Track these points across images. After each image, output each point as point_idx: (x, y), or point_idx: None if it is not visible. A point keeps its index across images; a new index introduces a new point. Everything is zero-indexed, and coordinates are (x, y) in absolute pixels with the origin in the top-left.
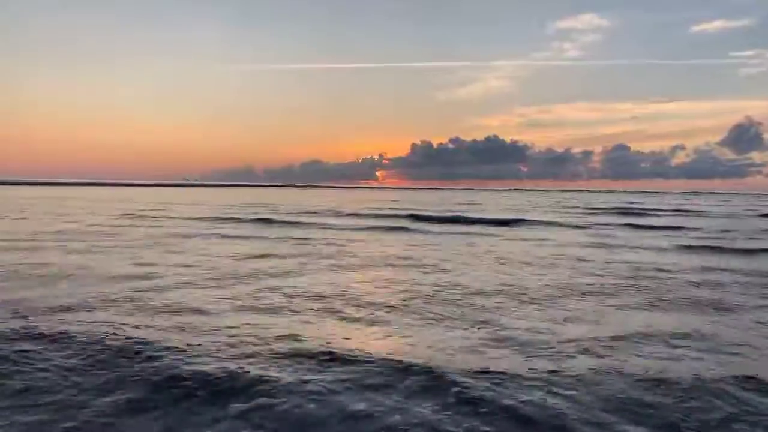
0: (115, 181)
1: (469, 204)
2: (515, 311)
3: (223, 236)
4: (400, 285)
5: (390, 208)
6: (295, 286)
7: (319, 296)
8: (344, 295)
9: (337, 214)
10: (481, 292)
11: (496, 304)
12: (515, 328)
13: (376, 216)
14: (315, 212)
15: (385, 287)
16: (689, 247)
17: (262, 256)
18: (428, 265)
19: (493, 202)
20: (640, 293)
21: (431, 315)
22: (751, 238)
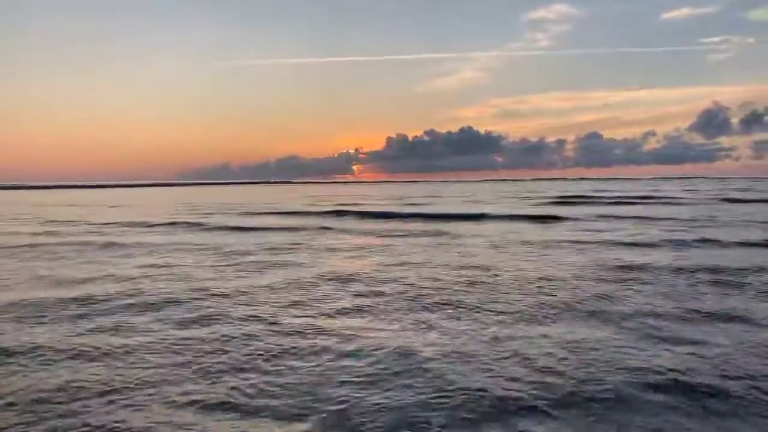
0: (90, 183)
1: (429, 197)
2: None
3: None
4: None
5: (337, 204)
6: None
7: None
8: None
9: (268, 213)
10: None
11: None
12: None
13: (308, 213)
14: (245, 212)
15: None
16: (619, 244)
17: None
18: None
19: (457, 194)
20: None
21: None
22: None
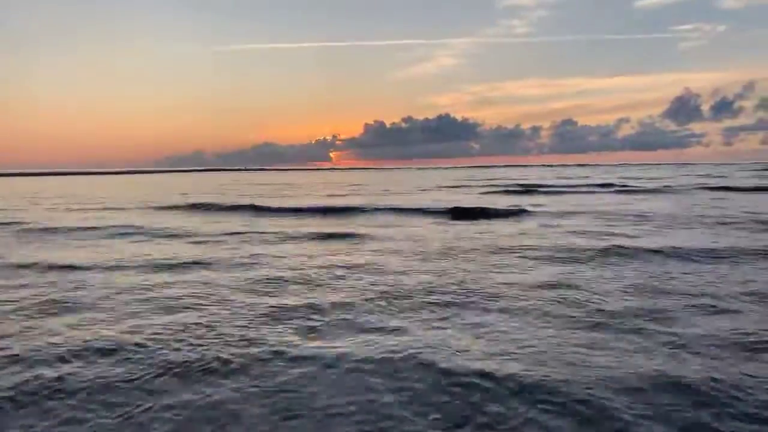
0: (60, 171)
1: (384, 187)
2: None
3: None
4: None
5: (256, 194)
6: None
7: None
8: None
9: (160, 207)
10: None
11: None
12: None
13: (192, 207)
14: (147, 207)
15: None
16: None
17: None
18: None
19: (418, 182)
20: None
21: None
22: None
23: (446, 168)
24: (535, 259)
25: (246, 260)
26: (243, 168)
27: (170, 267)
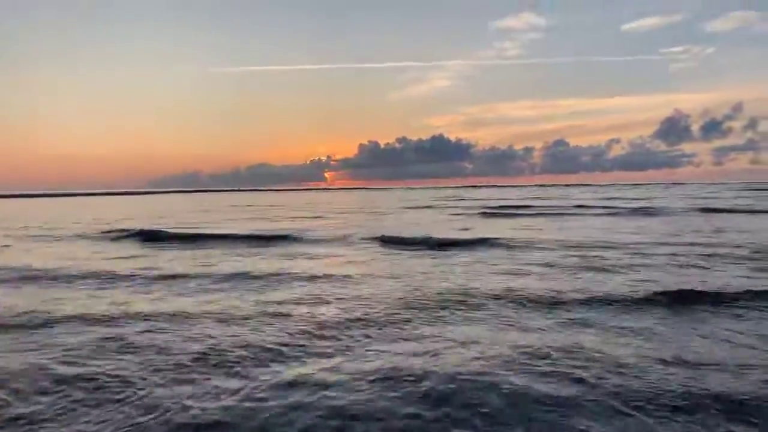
0: (55, 192)
1: (364, 206)
2: None
3: None
4: None
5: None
6: None
7: None
8: None
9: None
10: None
11: None
12: None
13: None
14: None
15: None
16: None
17: None
18: None
19: (388, 202)
20: None
21: None
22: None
23: (439, 188)
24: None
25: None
26: (237, 189)
27: None
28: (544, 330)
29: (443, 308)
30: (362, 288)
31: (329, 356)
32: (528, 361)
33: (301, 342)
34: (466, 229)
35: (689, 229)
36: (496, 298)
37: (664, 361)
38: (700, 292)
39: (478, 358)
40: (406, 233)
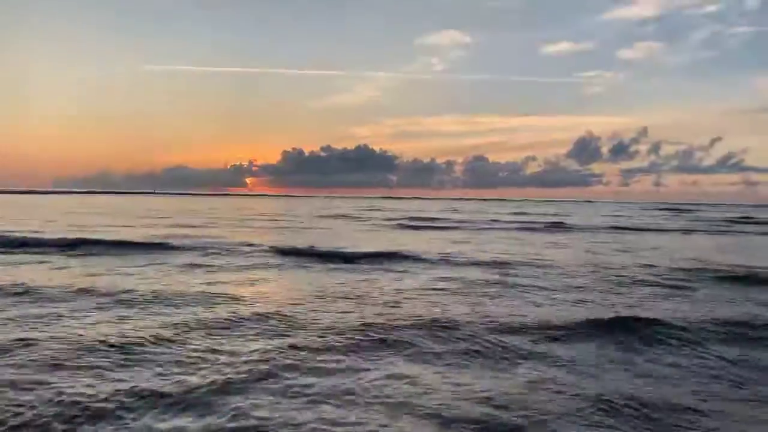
0: None
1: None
2: None
3: None
4: None
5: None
6: None
7: None
8: None
9: None
10: None
11: None
12: None
13: None
14: None
15: None
16: None
17: None
18: None
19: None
20: None
21: None
22: None
23: (363, 197)
24: None
25: None
26: (152, 191)
27: None
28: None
29: (326, 348)
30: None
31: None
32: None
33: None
34: (374, 241)
35: (604, 247)
36: (409, 326)
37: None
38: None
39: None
40: (309, 244)
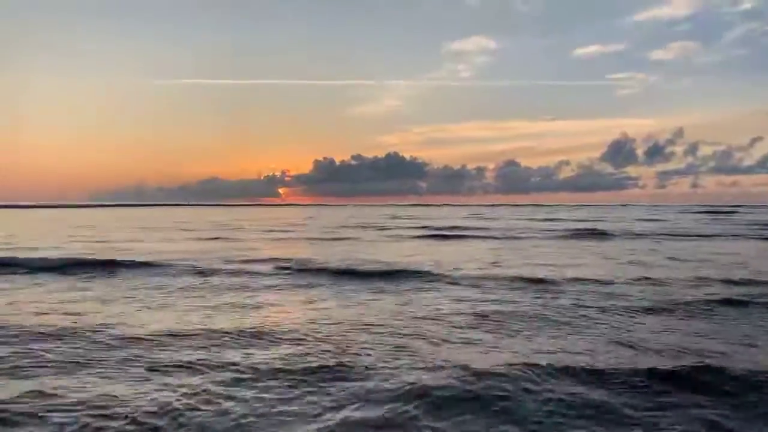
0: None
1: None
2: None
3: None
4: None
5: None
6: None
7: None
8: None
9: None
10: None
11: None
12: None
13: None
14: None
15: None
16: None
17: None
18: None
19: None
20: None
21: None
22: None
23: (395, 205)
24: None
25: None
26: (185, 203)
27: None
28: None
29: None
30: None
31: None
32: None
33: None
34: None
35: (651, 257)
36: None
37: None
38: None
39: None
40: (325, 259)
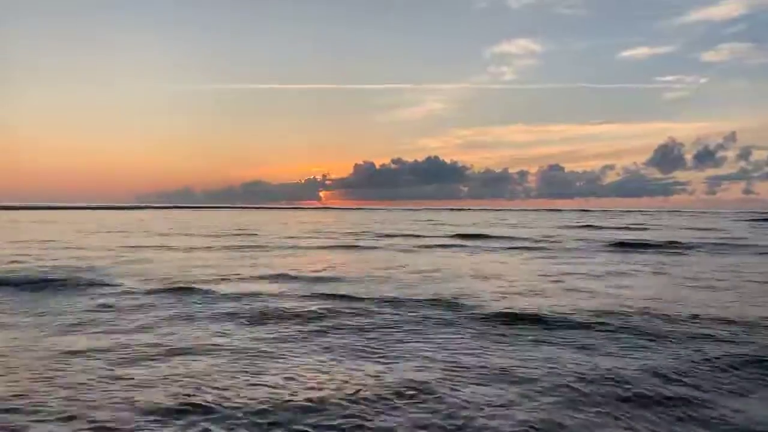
0: (50, 204)
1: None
2: None
3: None
4: None
5: None
6: None
7: None
8: None
9: None
10: None
11: None
12: None
13: None
14: None
15: None
16: None
17: None
18: None
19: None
20: None
21: None
22: None
23: (437, 209)
24: None
25: None
26: (230, 206)
27: None
28: None
29: None
30: None
31: None
32: None
33: None
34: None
35: (735, 277)
36: None
37: None
38: None
39: None
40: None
